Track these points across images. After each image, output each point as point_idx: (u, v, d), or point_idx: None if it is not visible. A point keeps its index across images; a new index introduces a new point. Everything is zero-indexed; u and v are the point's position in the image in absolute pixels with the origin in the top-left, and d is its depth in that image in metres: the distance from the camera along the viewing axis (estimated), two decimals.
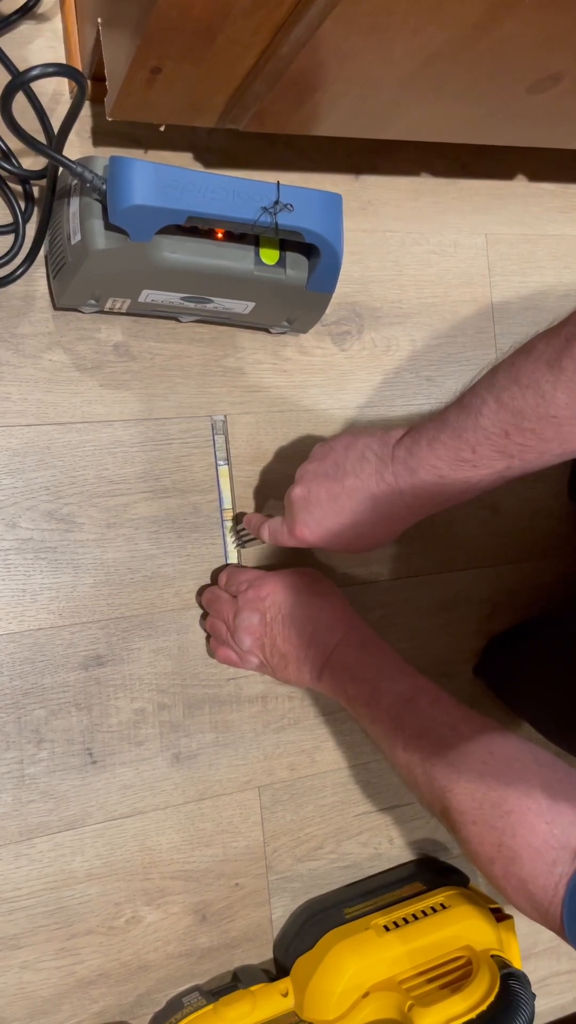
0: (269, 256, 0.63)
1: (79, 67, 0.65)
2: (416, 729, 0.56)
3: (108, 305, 0.65)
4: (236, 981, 0.68)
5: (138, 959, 0.67)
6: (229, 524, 0.71)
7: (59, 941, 0.65)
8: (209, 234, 0.61)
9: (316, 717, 0.74)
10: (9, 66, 0.64)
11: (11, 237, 0.64)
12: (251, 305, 0.66)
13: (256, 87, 0.56)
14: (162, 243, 0.59)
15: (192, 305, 0.65)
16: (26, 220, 0.65)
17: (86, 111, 0.68)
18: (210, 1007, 0.64)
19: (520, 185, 0.84)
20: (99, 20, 0.57)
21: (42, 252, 0.65)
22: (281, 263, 0.63)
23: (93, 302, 0.64)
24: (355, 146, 0.76)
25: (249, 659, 0.66)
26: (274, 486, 0.73)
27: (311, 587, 0.65)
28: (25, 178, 0.65)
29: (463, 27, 0.51)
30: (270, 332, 0.72)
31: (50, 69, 0.51)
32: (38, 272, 0.66)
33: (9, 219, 0.65)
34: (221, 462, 0.71)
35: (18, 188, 0.65)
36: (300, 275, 0.64)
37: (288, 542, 0.62)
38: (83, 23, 0.63)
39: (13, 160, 0.64)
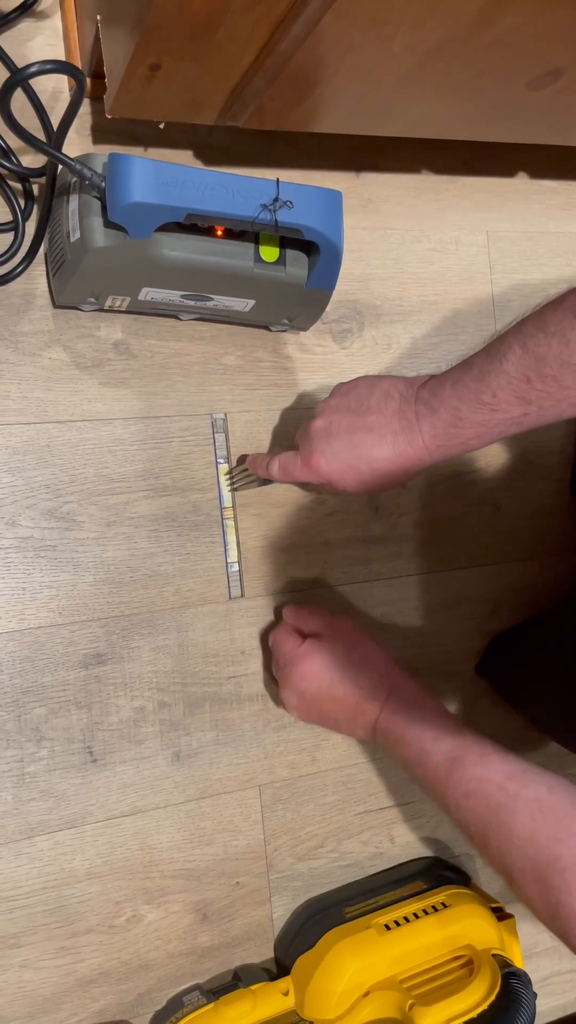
0: (269, 254, 0.63)
1: (78, 64, 0.65)
2: (464, 789, 0.56)
3: (108, 303, 0.64)
4: (237, 980, 0.68)
5: (138, 958, 0.67)
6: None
7: (59, 940, 0.65)
8: (209, 231, 0.61)
9: None
10: (8, 63, 0.64)
11: (10, 235, 0.64)
12: (251, 303, 0.66)
13: (255, 84, 0.56)
14: (161, 240, 0.59)
15: (192, 303, 0.65)
16: (25, 218, 0.64)
17: (86, 108, 0.68)
18: (210, 1006, 0.63)
19: (521, 182, 0.84)
20: (98, 17, 0.57)
21: (42, 250, 0.65)
22: (281, 260, 0.63)
23: (93, 300, 0.64)
24: (356, 143, 0.76)
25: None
26: (274, 484, 0.72)
27: (349, 655, 0.65)
28: (24, 176, 0.64)
29: (463, 22, 0.50)
30: (270, 330, 0.72)
31: (49, 66, 0.51)
32: (37, 270, 0.66)
33: (8, 217, 0.64)
34: (221, 460, 0.71)
35: (18, 186, 0.65)
36: (300, 272, 0.64)
37: (301, 474, 0.62)
38: (82, 20, 0.63)
39: (12, 158, 0.64)
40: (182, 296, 0.64)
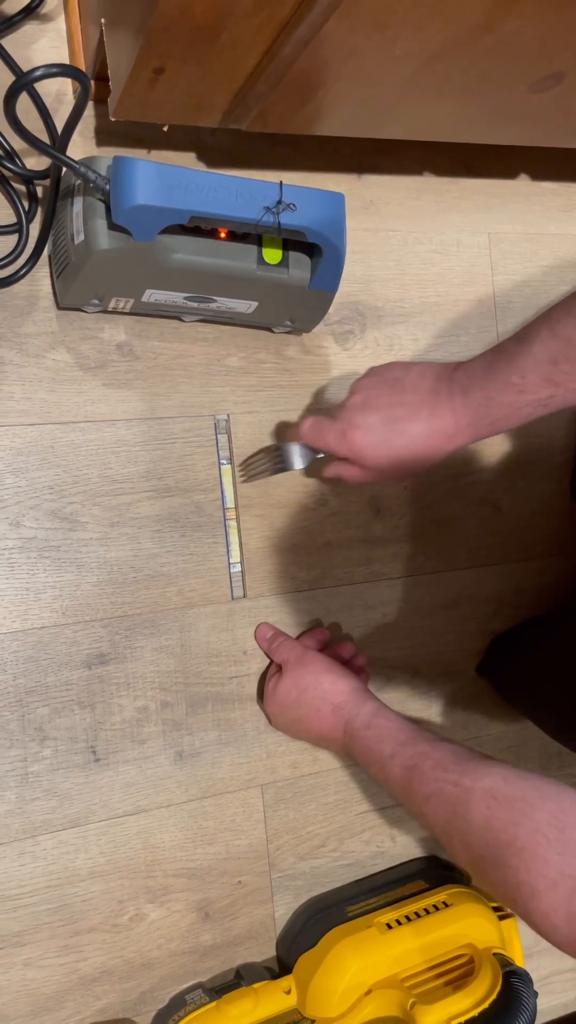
0: (272, 255, 0.63)
1: (82, 67, 0.65)
2: (424, 794, 0.57)
3: (111, 305, 0.65)
4: (239, 979, 0.68)
5: (141, 956, 0.67)
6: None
7: (62, 938, 0.65)
8: (212, 234, 0.61)
9: None
10: (13, 66, 0.64)
11: (15, 237, 0.64)
12: (254, 304, 0.66)
13: (259, 87, 0.56)
14: (165, 243, 0.60)
15: (195, 305, 0.65)
16: (30, 220, 0.65)
17: (90, 111, 0.68)
18: (213, 1004, 0.64)
19: (522, 184, 0.84)
20: (102, 21, 0.57)
21: (46, 252, 0.65)
22: (284, 262, 0.63)
23: (96, 302, 0.64)
24: (358, 145, 0.76)
25: None
26: (276, 484, 0.73)
27: (312, 688, 0.67)
28: (29, 178, 0.65)
29: (465, 26, 0.51)
30: (272, 331, 0.72)
31: (54, 69, 0.51)
32: (41, 272, 0.66)
33: (13, 219, 0.65)
34: (224, 461, 0.71)
35: (22, 188, 0.65)
36: (303, 274, 0.64)
37: (337, 447, 0.63)
38: (86, 24, 0.64)
39: (17, 160, 0.64)
40: (185, 298, 0.64)
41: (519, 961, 0.69)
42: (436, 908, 0.68)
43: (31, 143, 0.56)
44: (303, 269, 0.64)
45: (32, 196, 0.65)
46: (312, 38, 0.50)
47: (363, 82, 0.57)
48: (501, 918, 0.70)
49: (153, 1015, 0.67)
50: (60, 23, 0.67)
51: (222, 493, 0.71)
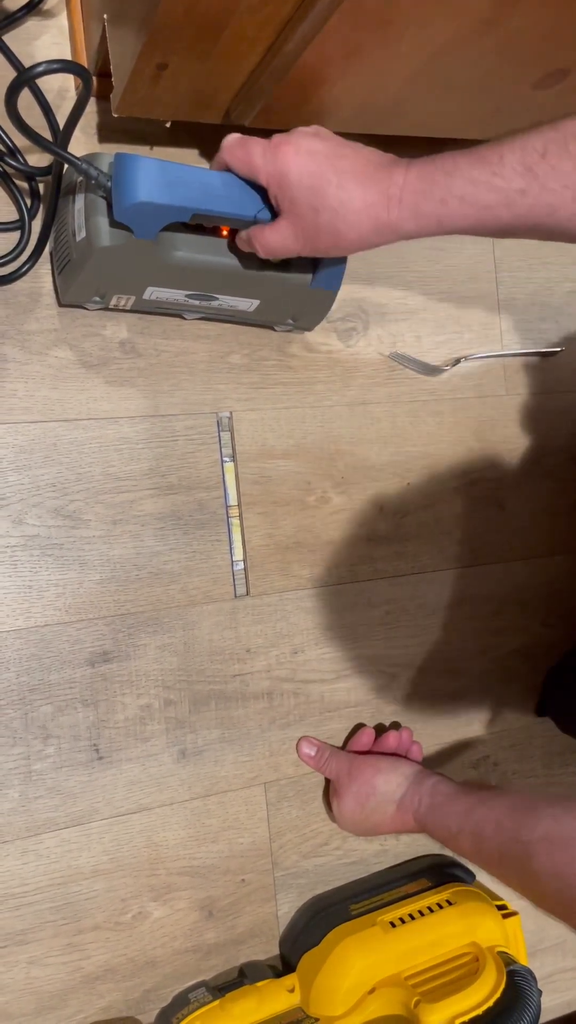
0: None
1: (85, 64, 0.65)
2: (495, 858, 0.58)
3: (113, 302, 0.65)
4: (242, 977, 0.68)
5: (144, 955, 0.67)
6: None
7: (66, 937, 0.65)
8: (214, 231, 0.61)
9: (321, 713, 0.74)
10: (15, 62, 0.64)
11: (16, 234, 0.64)
12: (256, 303, 0.66)
13: (262, 83, 0.56)
14: (166, 240, 0.59)
15: (196, 303, 0.65)
16: (32, 217, 0.65)
17: (92, 107, 0.68)
18: (216, 1003, 0.64)
19: None
20: (105, 16, 0.57)
21: (47, 249, 0.65)
22: (285, 261, 0.63)
23: (98, 299, 0.64)
24: (361, 142, 0.76)
25: None
26: (279, 482, 0.73)
27: (369, 798, 0.69)
28: (30, 175, 0.65)
29: (470, 21, 0.50)
30: (275, 330, 0.72)
31: (55, 65, 0.51)
32: (43, 269, 0.66)
33: (15, 216, 0.65)
34: (227, 459, 0.71)
35: (24, 185, 0.65)
36: (305, 273, 0.64)
37: (261, 163, 0.53)
38: (89, 19, 0.63)
39: (19, 157, 0.64)
40: (187, 295, 0.64)
41: (523, 959, 0.69)
42: (440, 906, 0.68)
43: (33, 139, 0.56)
44: (305, 268, 0.64)
45: (34, 193, 0.65)
46: (316, 34, 0.50)
47: (367, 79, 0.56)
48: (505, 916, 0.69)
49: (156, 1013, 0.67)
50: (62, 19, 0.66)
51: (225, 491, 0.71)
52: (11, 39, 0.64)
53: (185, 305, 0.66)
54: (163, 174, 0.55)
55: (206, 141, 0.71)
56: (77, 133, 0.67)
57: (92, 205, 0.58)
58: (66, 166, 0.60)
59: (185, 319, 0.70)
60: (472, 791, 0.65)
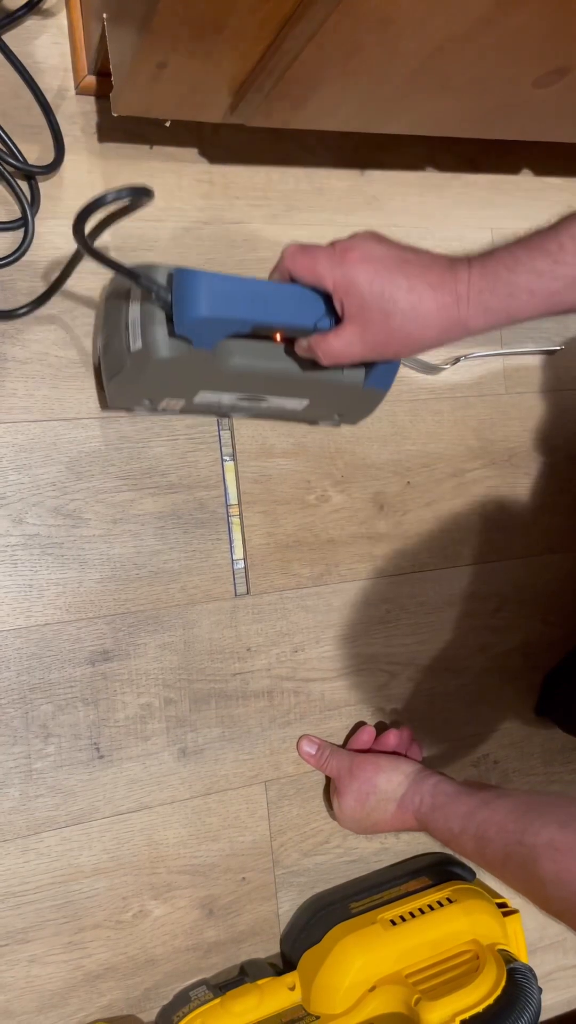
0: None
1: (84, 62, 0.65)
2: (498, 860, 0.58)
3: (162, 405, 0.65)
4: (243, 975, 0.68)
5: (145, 953, 0.67)
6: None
7: (67, 935, 0.65)
8: (268, 336, 0.61)
9: (321, 712, 0.74)
10: (14, 61, 0.64)
11: (20, 232, 0.64)
12: (306, 402, 0.66)
13: (262, 82, 0.56)
14: (223, 347, 0.59)
15: (247, 404, 0.66)
16: (34, 214, 0.64)
17: (91, 107, 0.68)
18: (217, 1001, 0.64)
19: (526, 179, 0.84)
20: (104, 15, 0.57)
21: (93, 357, 0.65)
22: None
23: (147, 402, 0.64)
24: (361, 141, 0.76)
25: None
26: (279, 480, 0.73)
27: (369, 796, 0.69)
28: (31, 173, 0.65)
29: (469, 20, 0.50)
30: (317, 424, 0.72)
31: (124, 193, 0.49)
32: (44, 268, 0.66)
33: (17, 214, 0.65)
34: (227, 458, 0.71)
35: (24, 184, 0.65)
36: (357, 373, 0.64)
37: (326, 272, 0.54)
38: (88, 19, 0.63)
39: (19, 155, 0.64)
40: (238, 398, 0.64)
41: (523, 957, 0.69)
42: (440, 904, 0.68)
43: (103, 262, 0.55)
44: (358, 368, 0.64)
45: (34, 191, 0.65)
46: (315, 33, 0.50)
47: (367, 77, 0.56)
48: (505, 914, 0.70)
49: (157, 1011, 0.68)
50: (62, 18, 0.66)
51: (225, 490, 0.71)
52: (11, 38, 0.64)
53: (234, 406, 0.66)
54: (224, 288, 0.55)
55: (206, 140, 0.71)
56: (77, 133, 0.67)
57: (149, 316, 0.57)
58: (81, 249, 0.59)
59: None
60: (474, 791, 0.65)
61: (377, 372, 0.64)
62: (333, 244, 0.55)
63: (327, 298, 0.56)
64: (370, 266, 0.52)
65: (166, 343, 0.57)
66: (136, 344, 0.58)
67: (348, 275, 0.53)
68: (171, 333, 0.57)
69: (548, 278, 0.50)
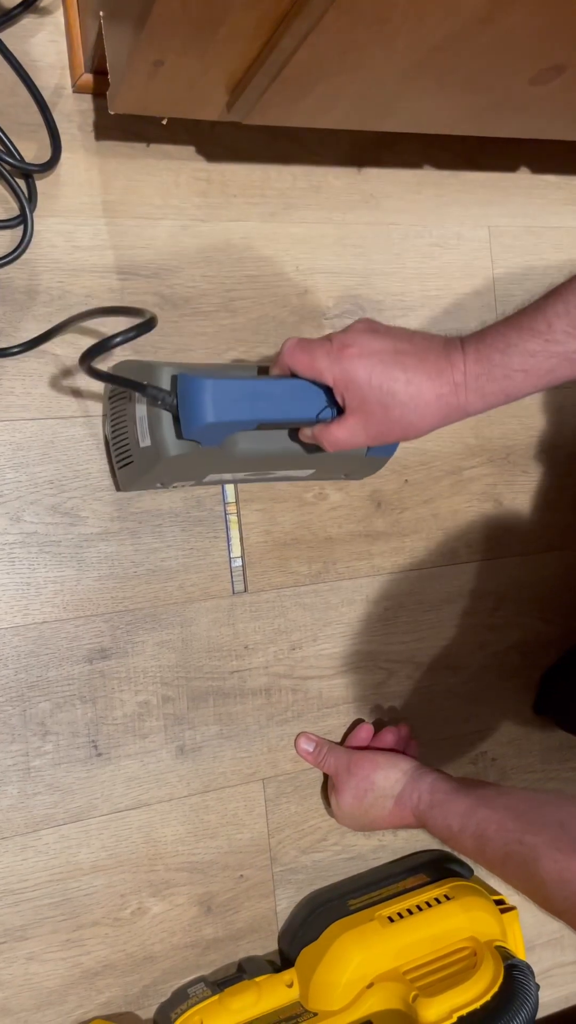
0: None
1: (81, 60, 0.65)
2: (498, 858, 0.58)
3: (173, 485, 0.66)
4: (241, 972, 0.68)
5: (144, 950, 0.67)
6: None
7: (65, 932, 0.65)
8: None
9: (319, 709, 0.74)
10: (11, 60, 0.64)
11: (18, 231, 0.64)
12: (311, 471, 0.68)
13: (259, 79, 0.56)
14: (231, 439, 0.60)
15: (255, 478, 0.67)
16: (32, 210, 0.64)
17: (88, 105, 0.68)
18: (215, 998, 0.64)
19: (523, 177, 0.84)
20: (101, 13, 0.57)
21: (102, 425, 0.66)
22: None
23: (159, 485, 0.65)
24: (358, 138, 0.76)
25: None
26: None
27: (367, 793, 0.69)
28: (28, 172, 0.65)
29: (466, 17, 0.50)
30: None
31: (131, 334, 0.51)
32: (40, 266, 0.66)
33: (16, 211, 0.65)
34: None
35: (22, 182, 0.65)
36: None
37: (326, 368, 0.55)
38: (85, 16, 0.63)
39: (16, 154, 0.64)
40: (247, 474, 0.66)
41: (521, 954, 0.70)
42: (438, 901, 0.68)
43: (110, 381, 0.57)
44: None
45: (32, 189, 0.65)
46: (312, 30, 0.50)
47: (363, 75, 0.56)
48: (503, 911, 0.70)
49: (155, 1008, 0.68)
50: (59, 16, 0.66)
51: (223, 487, 0.71)
52: (7, 36, 0.64)
53: (243, 480, 0.67)
54: (228, 391, 0.56)
55: (203, 138, 0.71)
56: (74, 131, 0.67)
57: (156, 416, 0.58)
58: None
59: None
60: (472, 789, 0.65)
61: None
62: (331, 338, 0.56)
63: (328, 390, 0.57)
64: (368, 361, 0.54)
65: (174, 443, 0.58)
66: (145, 441, 0.59)
67: (347, 371, 0.54)
68: (179, 435, 0.58)
69: (541, 357, 0.51)
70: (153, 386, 0.56)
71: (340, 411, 0.57)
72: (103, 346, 0.52)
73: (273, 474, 0.68)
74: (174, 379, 0.57)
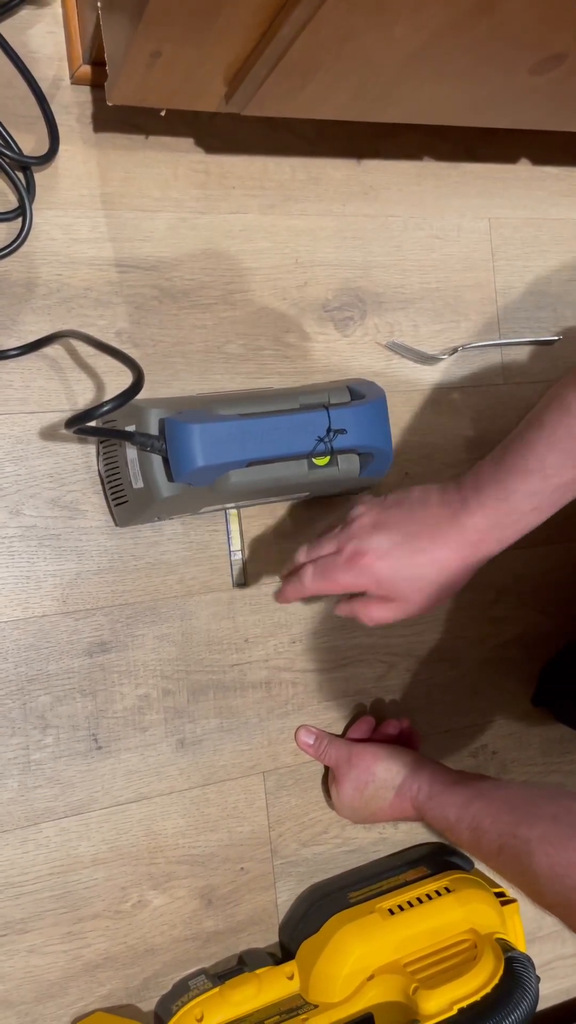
0: (321, 460, 0.64)
1: (79, 52, 0.64)
2: (493, 850, 0.59)
3: (171, 517, 0.67)
4: (242, 964, 0.68)
5: (144, 943, 0.68)
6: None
7: (66, 925, 0.65)
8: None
9: (320, 703, 0.74)
10: (9, 51, 0.64)
11: (17, 223, 0.64)
12: (305, 494, 0.68)
13: (257, 70, 0.56)
14: (224, 476, 0.60)
15: (251, 504, 0.68)
16: (31, 202, 0.64)
17: (86, 96, 0.67)
18: (216, 990, 0.64)
19: (524, 169, 0.84)
20: (99, 4, 0.57)
21: (98, 480, 0.66)
22: (333, 461, 0.64)
23: (156, 519, 0.66)
24: (357, 130, 0.76)
25: None
26: None
27: (367, 785, 0.69)
28: (27, 164, 0.64)
29: (464, 7, 0.50)
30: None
31: (119, 402, 0.52)
32: (39, 259, 0.66)
33: (14, 204, 0.64)
34: None
35: (20, 175, 0.65)
36: (352, 467, 0.65)
37: (354, 581, 0.57)
38: (83, 7, 0.63)
39: (14, 146, 0.64)
40: (242, 504, 0.67)
41: (521, 946, 0.70)
42: (438, 894, 0.68)
43: (105, 434, 0.58)
44: (352, 463, 0.65)
45: (30, 181, 0.65)
46: (310, 19, 0.50)
47: (362, 64, 0.56)
48: (503, 904, 0.70)
49: (156, 1001, 0.68)
50: (56, 7, 0.66)
51: None
52: (5, 28, 0.64)
53: (240, 506, 0.68)
54: (216, 435, 0.56)
55: (202, 130, 0.71)
56: (72, 123, 0.67)
57: (146, 460, 0.59)
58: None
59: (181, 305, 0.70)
60: (471, 781, 0.65)
61: (372, 466, 0.66)
62: (339, 549, 0.58)
63: (320, 421, 0.58)
64: (388, 562, 0.56)
65: (166, 485, 0.59)
66: (137, 483, 0.60)
67: (373, 576, 0.57)
68: (170, 478, 0.58)
69: (546, 493, 0.54)
70: (141, 433, 0.57)
71: (334, 433, 0.59)
72: (90, 414, 0.52)
73: (269, 499, 0.69)
74: (162, 423, 0.57)
